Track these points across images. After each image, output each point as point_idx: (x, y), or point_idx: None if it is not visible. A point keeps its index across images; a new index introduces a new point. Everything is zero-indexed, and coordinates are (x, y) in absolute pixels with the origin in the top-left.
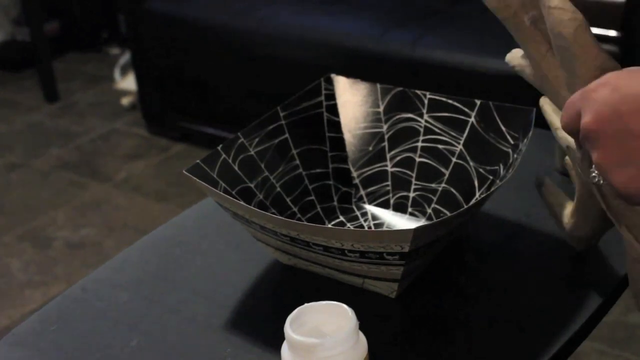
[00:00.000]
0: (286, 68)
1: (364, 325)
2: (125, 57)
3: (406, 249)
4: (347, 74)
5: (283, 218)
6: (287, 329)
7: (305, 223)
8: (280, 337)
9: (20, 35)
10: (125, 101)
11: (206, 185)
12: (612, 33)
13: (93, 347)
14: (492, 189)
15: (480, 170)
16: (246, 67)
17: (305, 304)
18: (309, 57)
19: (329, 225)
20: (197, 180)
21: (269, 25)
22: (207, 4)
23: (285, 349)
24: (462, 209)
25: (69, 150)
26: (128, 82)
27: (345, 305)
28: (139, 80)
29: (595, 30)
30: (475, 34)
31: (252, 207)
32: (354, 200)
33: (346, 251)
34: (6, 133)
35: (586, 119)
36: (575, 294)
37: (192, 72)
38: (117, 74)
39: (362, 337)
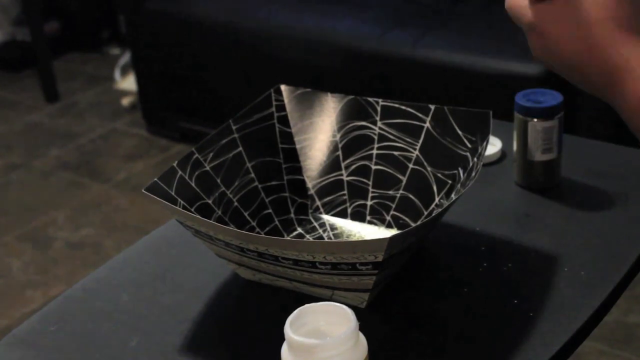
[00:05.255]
0: (286, 68)
1: (363, 326)
2: (125, 57)
3: (380, 258)
4: (347, 74)
5: (251, 233)
6: (287, 329)
7: (275, 237)
8: (280, 338)
9: (20, 35)
10: (125, 101)
11: (167, 203)
12: None
13: (93, 347)
14: (454, 192)
15: (439, 175)
16: (246, 67)
17: (305, 305)
18: (309, 57)
19: (288, 238)
20: (157, 198)
21: (269, 25)
22: (207, 4)
23: (285, 349)
24: (436, 213)
25: (69, 150)
26: (128, 82)
27: (345, 306)
28: (139, 80)
29: None
30: (475, 33)
31: (216, 224)
32: (310, 211)
33: (317, 263)
34: (6, 133)
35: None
36: (575, 293)
37: (193, 72)
38: (117, 74)
39: (362, 338)
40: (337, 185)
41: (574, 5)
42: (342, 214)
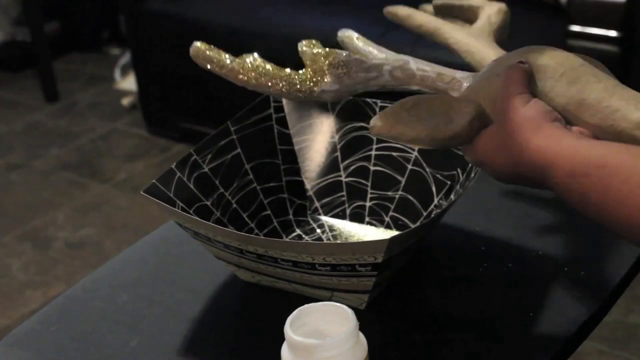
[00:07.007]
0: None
1: (364, 326)
2: (125, 57)
3: (379, 260)
4: None
5: (250, 235)
6: (287, 329)
7: (274, 239)
8: (280, 338)
9: (20, 35)
10: (125, 101)
11: (166, 205)
12: (612, 33)
13: (93, 347)
14: (453, 193)
15: (437, 175)
16: None
17: (305, 305)
18: None
19: (287, 239)
20: (156, 200)
21: (269, 25)
22: (207, 4)
23: (285, 349)
24: (435, 214)
25: (69, 150)
26: (128, 82)
27: (345, 306)
28: (139, 80)
29: (595, 30)
30: None
31: (215, 225)
32: (309, 212)
33: (317, 265)
34: (6, 133)
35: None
36: (575, 293)
37: (193, 72)
38: (117, 74)
39: (362, 338)
40: (335, 186)
41: (496, 131)
42: (341, 215)
